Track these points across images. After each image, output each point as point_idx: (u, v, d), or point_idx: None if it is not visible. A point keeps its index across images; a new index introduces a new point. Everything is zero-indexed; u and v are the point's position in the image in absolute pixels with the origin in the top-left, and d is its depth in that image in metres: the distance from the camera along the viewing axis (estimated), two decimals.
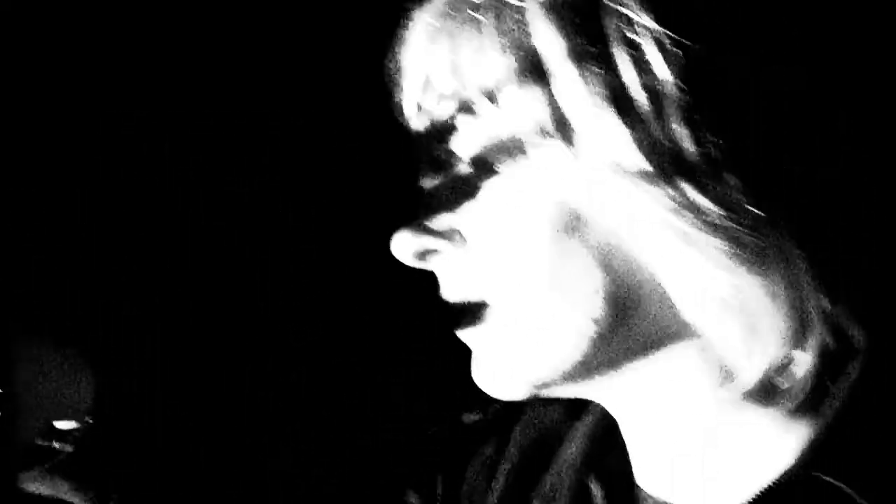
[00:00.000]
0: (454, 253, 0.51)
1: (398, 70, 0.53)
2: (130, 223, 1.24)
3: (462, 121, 0.50)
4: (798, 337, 0.46)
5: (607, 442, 0.57)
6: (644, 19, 0.43)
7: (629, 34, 0.43)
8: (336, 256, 1.38)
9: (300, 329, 1.38)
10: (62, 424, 0.60)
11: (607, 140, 0.44)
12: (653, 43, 0.43)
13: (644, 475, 0.54)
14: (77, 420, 0.60)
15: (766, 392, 0.47)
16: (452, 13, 0.48)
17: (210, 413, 0.73)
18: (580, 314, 0.48)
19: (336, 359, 1.38)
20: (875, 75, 0.48)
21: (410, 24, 0.51)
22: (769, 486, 0.47)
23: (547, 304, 0.48)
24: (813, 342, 0.46)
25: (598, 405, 0.57)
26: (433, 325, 1.35)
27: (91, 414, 0.59)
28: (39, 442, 0.60)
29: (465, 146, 0.50)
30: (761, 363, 0.46)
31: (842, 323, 0.48)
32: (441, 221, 0.51)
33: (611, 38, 0.43)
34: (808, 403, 0.48)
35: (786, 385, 0.47)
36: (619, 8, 0.44)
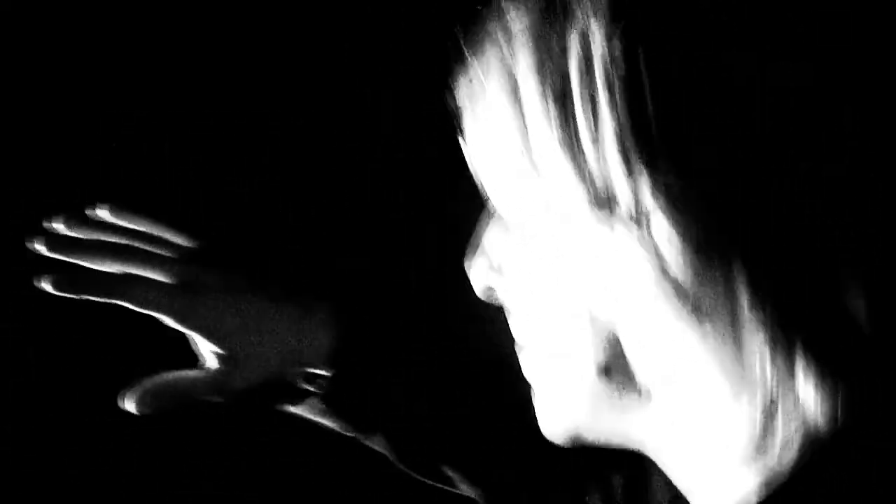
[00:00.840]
0: (510, 292, 0.52)
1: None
2: None
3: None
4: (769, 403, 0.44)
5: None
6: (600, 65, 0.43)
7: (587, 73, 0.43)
8: (335, 256, 1.38)
9: None
10: (314, 370, 0.67)
11: (561, 178, 0.45)
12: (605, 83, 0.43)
13: None
14: (324, 367, 0.66)
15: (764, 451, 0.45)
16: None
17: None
18: (575, 368, 0.49)
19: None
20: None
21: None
22: None
23: (548, 357, 0.51)
24: (763, 400, 0.44)
25: None
26: (434, 325, 1.33)
27: (332, 363, 0.65)
28: (298, 384, 0.67)
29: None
30: (744, 422, 0.44)
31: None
32: (497, 258, 0.53)
33: (572, 79, 0.44)
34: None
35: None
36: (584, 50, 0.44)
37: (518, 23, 0.45)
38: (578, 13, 0.43)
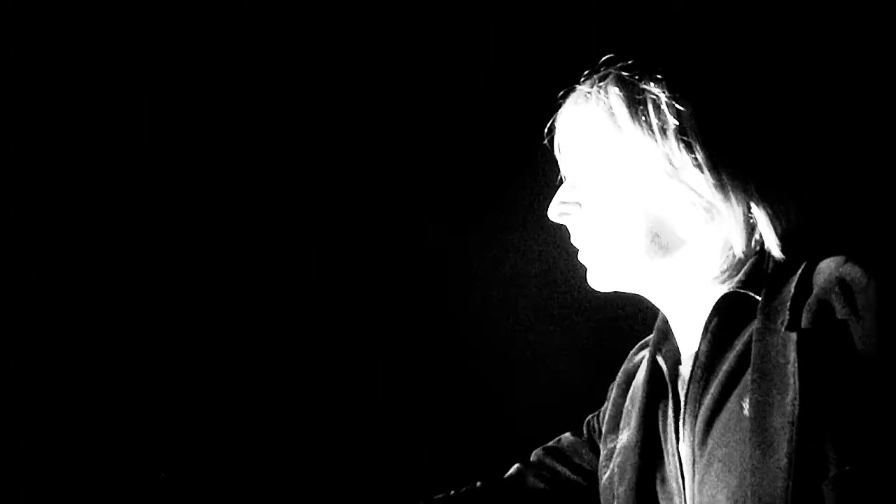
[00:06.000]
0: (577, 214, 1.01)
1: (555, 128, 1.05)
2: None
3: (571, 163, 1.03)
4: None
5: (666, 329, 1.04)
6: (663, 101, 0.95)
7: (658, 112, 0.95)
8: (337, 257, 1.38)
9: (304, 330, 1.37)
10: None
11: (649, 159, 0.96)
12: (667, 113, 0.94)
13: (682, 349, 1.01)
14: None
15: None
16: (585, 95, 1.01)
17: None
18: (630, 246, 0.97)
19: (337, 359, 1.38)
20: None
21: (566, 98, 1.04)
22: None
23: (618, 244, 0.98)
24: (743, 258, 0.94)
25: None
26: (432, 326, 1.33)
27: None
28: None
29: (573, 172, 1.04)
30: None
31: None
32: (570, 197, 1.02)
33: (650, 115, 0.95)
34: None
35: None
36: (653, 97, 0.95)
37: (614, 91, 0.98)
38: (650, 87, 0.96)
